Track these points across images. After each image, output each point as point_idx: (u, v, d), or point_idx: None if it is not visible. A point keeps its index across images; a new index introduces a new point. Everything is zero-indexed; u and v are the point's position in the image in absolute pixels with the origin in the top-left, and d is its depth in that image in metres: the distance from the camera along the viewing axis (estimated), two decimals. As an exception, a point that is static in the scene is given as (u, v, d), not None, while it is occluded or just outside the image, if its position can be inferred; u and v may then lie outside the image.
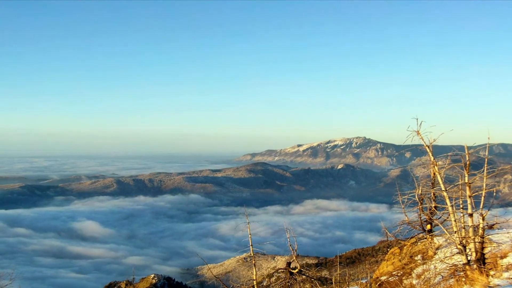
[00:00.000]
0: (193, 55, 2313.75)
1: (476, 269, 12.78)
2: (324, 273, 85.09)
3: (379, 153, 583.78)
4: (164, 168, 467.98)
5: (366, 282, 21.92)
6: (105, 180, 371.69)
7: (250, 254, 16.50)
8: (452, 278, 14.07)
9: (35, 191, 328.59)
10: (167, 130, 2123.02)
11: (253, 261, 16.70)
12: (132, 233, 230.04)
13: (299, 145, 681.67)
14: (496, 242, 15.35)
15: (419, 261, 20.91)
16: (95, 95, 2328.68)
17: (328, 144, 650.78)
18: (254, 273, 16.24)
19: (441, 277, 15.43)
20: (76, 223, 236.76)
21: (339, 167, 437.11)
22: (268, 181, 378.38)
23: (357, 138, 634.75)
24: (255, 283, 16.23)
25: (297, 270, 16.00)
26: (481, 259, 13.33)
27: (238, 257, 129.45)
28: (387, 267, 23.32)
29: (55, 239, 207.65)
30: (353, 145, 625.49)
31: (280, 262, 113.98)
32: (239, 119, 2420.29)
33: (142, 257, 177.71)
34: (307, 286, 21.62)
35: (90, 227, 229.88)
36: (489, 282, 11.56)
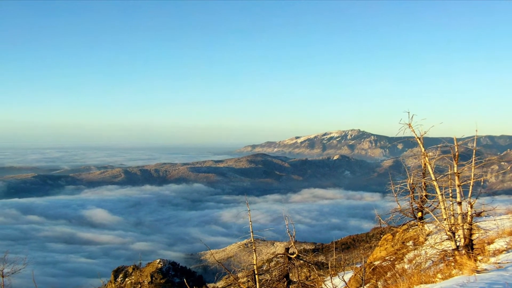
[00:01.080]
0: (197, 53, 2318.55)
1: (464, 254, 12.79)
2: (321, 258, 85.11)
3: (373, 144, 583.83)
4: (169, 159, 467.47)
5: (360, 266, 21.94)
6: (114, 170, 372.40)
7: (251, 240, 16.49)
8: (442, 263, 14.09)
9: (47, 181, 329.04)
10: (172, 123, 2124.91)
11: (254, 247, 16.69)
12: (139, 220, 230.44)
13: (297, 137, 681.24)
14: (484, 229, 15.36)
15: (410, 246, 20.92)
16: (104, 90, 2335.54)
17: (325, 136, 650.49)
18: (255, 258, 16.24)
19: (431, 262, 15.45)
20: (86, 211, 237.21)
21: (335, 158, 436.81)
22: (268, 171, 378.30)
23: (352, 130, 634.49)
24: (255, 268, 16.24)
25: (295, 255, 16.00)
26: (469, 245, 13.34)
27: (239, 243, 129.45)
28: (380, 252, 23.34)
29: (66, 226, 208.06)
30: (348, 137, 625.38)
31: (279, 247, 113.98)
32: (240, 112, 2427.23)
33: (148, 243, 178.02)
34: (305, 270, 21.63)
35: (99, 215, 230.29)
36: (477, 266, 11.57)
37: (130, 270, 68.13)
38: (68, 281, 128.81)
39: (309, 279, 18.95)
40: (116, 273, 68.47)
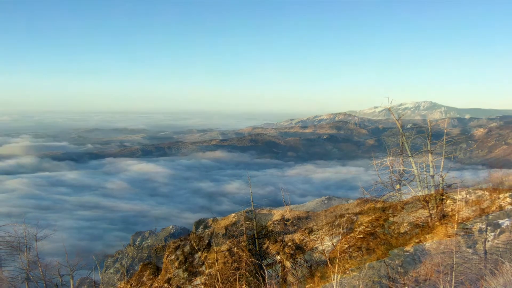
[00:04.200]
0: (207, 47, 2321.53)
1: (437, 221, 12.86)
2: (312, 224, 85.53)
3: (358, 125, 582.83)
4: (181, 138, 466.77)
5: (346, 231, 22.04)
6: (133, 147, 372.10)
7: (251, 208, 16.57)
8: (417, 228, 14.18)
9: (73, 156, 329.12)
10: (183, 107, 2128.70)
11: (254, 214, 16.77)
12: (154, 191, 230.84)
13: (291, 119, 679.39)
14: (453, 199, 15.41)
15: (390, 214, 21.01)
16: (125, 78, 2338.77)
17: (316, 118, 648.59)
18: (255, 224, 16.32)
19: (408, 227, 15.52)
20: (108, 183, 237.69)
21: (325, 137, 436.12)
22: (267, 149, 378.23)
23: (339, 113, 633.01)
24: (255, 233, 16.34)
25: (290, 221, 16.08)
26: (441, 213, 13.41)
27: (242, 211, 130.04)
28: (364, 219, 23.42)
29: (91, 196, 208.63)
30: (336, 118, 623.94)
31: (276, 215, 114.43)
32: (243, 97, 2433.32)
33: (162, 211, 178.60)
34: (298, 234, 21.72)
35: (120, 186, 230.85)
36: (447, 231, 11.65)
37: (147, 235, 68.58)
38: (93, 244, 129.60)
39: (302, 241, 19.07)
40: (135, 237, 68.95)
